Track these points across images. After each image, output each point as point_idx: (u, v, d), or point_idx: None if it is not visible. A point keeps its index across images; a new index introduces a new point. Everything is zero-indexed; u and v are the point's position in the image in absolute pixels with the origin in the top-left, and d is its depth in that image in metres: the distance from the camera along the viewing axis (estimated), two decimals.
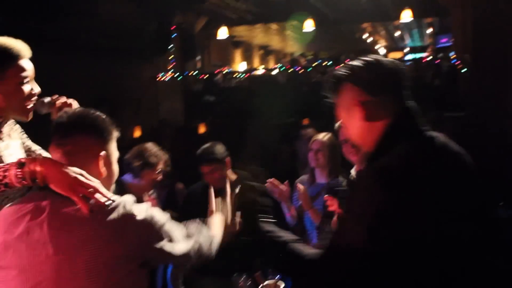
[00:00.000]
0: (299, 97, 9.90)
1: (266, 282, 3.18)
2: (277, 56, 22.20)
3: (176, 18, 10.80)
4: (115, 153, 2.03)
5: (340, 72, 1.98)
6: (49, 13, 7.26)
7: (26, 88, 2.40)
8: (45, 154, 2.60)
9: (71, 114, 1.97)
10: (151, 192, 4.10)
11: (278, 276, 3.19)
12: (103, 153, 1.94)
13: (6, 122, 2.47)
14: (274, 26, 16.20)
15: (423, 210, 1.78)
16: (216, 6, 10.96)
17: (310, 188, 4.28)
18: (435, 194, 1.79)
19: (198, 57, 13.24)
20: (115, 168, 2.04)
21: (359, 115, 1.93)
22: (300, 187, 4.08)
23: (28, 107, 2.44)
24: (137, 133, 10.08)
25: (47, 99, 2.58)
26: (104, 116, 2.01)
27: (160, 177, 4.07)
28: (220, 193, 4.20)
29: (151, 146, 3.96)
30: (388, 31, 21.22)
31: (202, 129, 9.88)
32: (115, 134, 2.03)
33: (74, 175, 1.84)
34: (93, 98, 9.17)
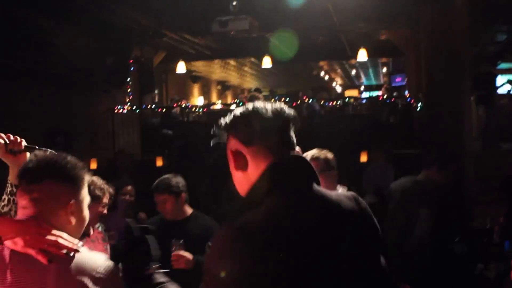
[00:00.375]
0: None
1: None
2: (235, 91, 22.34)
3: (134, 51, 10.81)
4: (86, 199, 1.94)
5: (222, 121, 1.93)
6: (5, 43, 7.17)
7: None
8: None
9: (40, 159, 1.89)
10: (97, 225, 4.04)
11: None
12: (72, 201, 1.85)
13: None
14: (232, 62, 16.35)
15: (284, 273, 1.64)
16: (174, 40, 11.00)
17: None
18: (298, 258, 1.67)
19: (156, 91, 13.23)
20: (86, 214, 1.94)
21: (232, 164, 1.89)
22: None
23: None
24: (93, 165, 9.94)
25: None
26: (75, 161, 1.91)
27: (105, 210, 4.01)
28: (175, 225, 4.23)
29: (96, 180, 3.88)
30: (344, 69, 21.63)
31: (159, 162, 9.82)
32: (87, 178, 1.94)
33: (30, 232, 1.75)
34: (48, 129, 9.08)
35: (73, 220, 1.85)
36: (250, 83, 21.51)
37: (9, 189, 2.46)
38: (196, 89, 17.86)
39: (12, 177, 2.45)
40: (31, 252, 1.72)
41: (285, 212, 1.71)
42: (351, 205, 1.85)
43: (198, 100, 17.14)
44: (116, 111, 10.72)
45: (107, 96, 10.62)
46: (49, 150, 2.37)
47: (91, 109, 10.23)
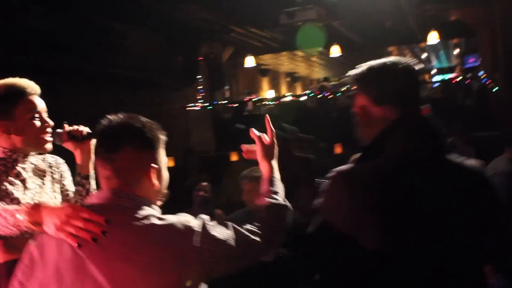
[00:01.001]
0: (329, 122, 9.88)
1: None
2: (304, 82, 22.24)
3: (203, 48, 10.92)
4: (164, 160, 1.91)
5: (352, 74, 1.97)
6: (82, 48, 7.43)
7: (38, 122, 2.47)
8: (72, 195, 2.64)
9: (115, 124, 1.85)
10: None
11: None
12: (153, 164, 1.83)
13: (25, 158, 2.51)
14: (299, 52, 16.27)
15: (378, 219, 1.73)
16: (241, 35, 11.04)
17: None
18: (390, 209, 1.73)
19: (227, 86, 13.34)
20: (165, 174, 1.92)
21: (357, 119, 1.94)
22: None
23: (44, 139, 2.50)
24: (170, 163, 10.13)
25: (59, 130, 2.59)
26: (149, 123, 1.88)
27: None
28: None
29: None
30: (414, 53, 21.16)
31: (234, 158, 9.90)
32: (163, 139, 1.92)
33: (61, 216, 1.74)
34: None
35: (156, 183, 1.82)
36: (319, 73, 21.35)
37: (76, 179, 2.61)
38: (265, 83, 17.89)
39: (78, 167, 2.61)
40: (62, 236, 1.71)
41: (391, 172, 1.77)
42: (471, 179, 1.82)
43: (268, 94, 17.17)
44: (188, 108, 10.88)
45: (179, 94, 10.80)
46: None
47: (164, 108, 10.43)
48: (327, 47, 12.14)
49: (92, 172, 2.59)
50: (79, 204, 2.36)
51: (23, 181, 2.47)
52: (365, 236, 1.72)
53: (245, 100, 12.63)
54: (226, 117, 12.19)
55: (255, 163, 2.26)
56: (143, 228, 1.70)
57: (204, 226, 1.76)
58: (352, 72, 1.98)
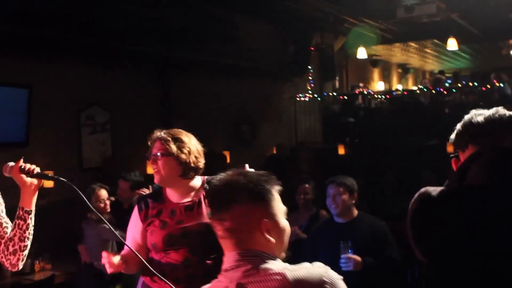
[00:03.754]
0: (442, 118, 9.53)
1: None
2: (416, 74, 21.59)
3: (315, 38, 10.82)
4: (279, 211, 1.82)
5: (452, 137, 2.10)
6: (197, 39, 7.56)
7: None
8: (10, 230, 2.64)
9: (222, 183, 1.83)
10: None
11: None
12: (264, 219, 1.77)
13: None
14: (413, 44, 15.79)
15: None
16: (355, 26, 10.84)
17: None
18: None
19: (337, 78, 13.18)
20: (283, 225, 1.83)
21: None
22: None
23: None
24: (277, 153, 10.19)
25: (11, 163, 2.61)
26: (257, 177, 1.83)
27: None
28: (343, 226, 4.23)
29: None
30: None
31: (341, 151, 9.79)
32: (276, 188, 1.83)
33: None
34: (236, 118, 9.46)
35: (271, 238, 1.77)
36: (432, 65, 20.62)
37: (16, 213, 2.61)
38: (376, 74, 17.52)
39: (21, 202, 2.61)
40: None
41: (451, 199, 1.86)
42: None
43: (378, 85, 16.81)
44: (298, 99, 10.86)
45: (290, 84, 10.79)
46: (64, 179, 2.60)
47: (274, 98, 10.47)
48: (444, 40, 11.67)
49: (33, 208, 2.62)
50: (16, 239, 2.53)
51: None
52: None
53: (355, 92, 12.41)
54: (335, 108, 12.07)
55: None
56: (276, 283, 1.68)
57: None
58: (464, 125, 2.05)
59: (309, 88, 11.12)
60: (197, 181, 2.97)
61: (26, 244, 2.58)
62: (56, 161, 6.45)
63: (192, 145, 2.90)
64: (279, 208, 1.82)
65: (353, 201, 4.32)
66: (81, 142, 6.98)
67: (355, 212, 4.35)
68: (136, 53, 7.23)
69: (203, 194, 2.91)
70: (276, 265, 1.72)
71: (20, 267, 2.62)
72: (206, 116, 8.57)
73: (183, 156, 2.84)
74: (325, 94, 11.50)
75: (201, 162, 2.94)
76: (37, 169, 2.63)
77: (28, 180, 2.59)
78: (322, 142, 11.00)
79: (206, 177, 3.00)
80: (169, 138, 2.85)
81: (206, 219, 2.74)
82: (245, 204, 1.76)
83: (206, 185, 2.95)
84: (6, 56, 6.07)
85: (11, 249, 2.55)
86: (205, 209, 2.84)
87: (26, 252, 2.60)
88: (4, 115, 6.04)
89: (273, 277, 1.67)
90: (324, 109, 11.63)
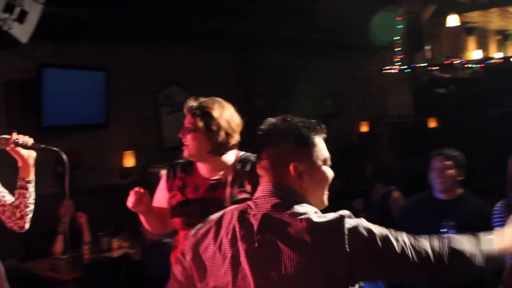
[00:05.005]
0: None
1: None
2: None
3: (402, 7, 10.36)
4: (319, 157, 1.82)
5: None
6: (276, 13, 7.41)
7: None
8: (8, 197, 2.88)
9: (264, 127, 1.86)
10: None
11: None
12: (292, 164, 1.77)
13: None
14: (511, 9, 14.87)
15: None
16: None
17: None
18: None
19: (427, 48, 12.59)
20: (322, 171, 1.82)
21: None
22: None
23: None
24: (364, 128, 9.89)
25: (6, 136, 2.77)
26: (303, 122, 1.83)
27: None
28: (445, 204, 3.90)
29: None
30: None
31: (432, 124, 9.37)
32: (319, 135, 1.84)
33: None
34: (321, 92, 9.25)
35: (303, 183, 1.77)
36: None
37: (17, 184, 2.85)
38: (471, 42, 16.67)
39: (20, 173, 2.85)
40: None
41: None
42: None
43: (473, 54, 15.98)
44: (385, 71, 10.47)
45: (376, 56, 10.42)
46: (55, 148, 2.80)
47: (360, 70, 10.16)
48: None
49: (33, 177, 2.87)
50: (22, 206, 2.83)
51: None
52: None
53: (446, 62, 11.81)
54: (426, 80, 11.55)
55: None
56: (298, 225, 1.67)
57: (358, 227, 1.66)
58: None
59: (396, 60, 10.67)
60: (230, 157, 2.82)
61: (31, 208, 2.87)
62: (136, 141, 6.53)
63: (224, 120, 2.73)
64: (318, 156, 1.82)
65: (460, 178, 3.98)
66: (161, 122, 7.04)
67: (459, 189, 4.01)
68: (212, 31, 7.16)
69: (232, 174, 2.78)
70: (305, 208, 1.73)
71: (27, 227, 2.89)
72: (287, 93, 8.40)
73: (211, 133, 2.70)
74: (413, 65, 11.01)
75: (234, 138, 2.78)
76: (31, 141, 2.82)
77: (25, 152, 2.80)
78: (412, 115, 10.57)
79: (241, 153, 2.86)
80: (198, 113, 2.72)
81: (227, 201, 2.67)
82: (279, 146, 1.79)
83: (237, 164, 2.81)
84: (83, 41, 6.18)
85: (18, 214, 2.83)
86: (228, 190, 2.73)
87: (30, 215, 2.88)
88: (84, 98, 6.19)
89: (299, 217, 1.68)
90: (414, 80, 11.15)
